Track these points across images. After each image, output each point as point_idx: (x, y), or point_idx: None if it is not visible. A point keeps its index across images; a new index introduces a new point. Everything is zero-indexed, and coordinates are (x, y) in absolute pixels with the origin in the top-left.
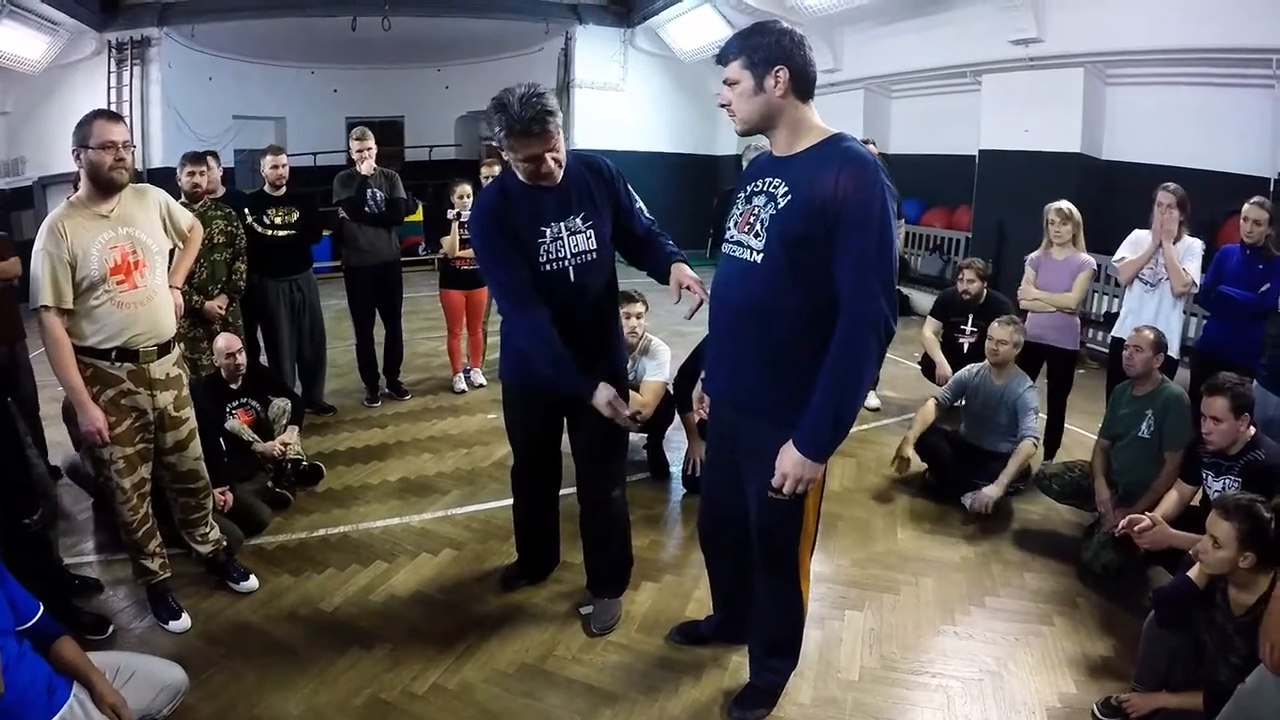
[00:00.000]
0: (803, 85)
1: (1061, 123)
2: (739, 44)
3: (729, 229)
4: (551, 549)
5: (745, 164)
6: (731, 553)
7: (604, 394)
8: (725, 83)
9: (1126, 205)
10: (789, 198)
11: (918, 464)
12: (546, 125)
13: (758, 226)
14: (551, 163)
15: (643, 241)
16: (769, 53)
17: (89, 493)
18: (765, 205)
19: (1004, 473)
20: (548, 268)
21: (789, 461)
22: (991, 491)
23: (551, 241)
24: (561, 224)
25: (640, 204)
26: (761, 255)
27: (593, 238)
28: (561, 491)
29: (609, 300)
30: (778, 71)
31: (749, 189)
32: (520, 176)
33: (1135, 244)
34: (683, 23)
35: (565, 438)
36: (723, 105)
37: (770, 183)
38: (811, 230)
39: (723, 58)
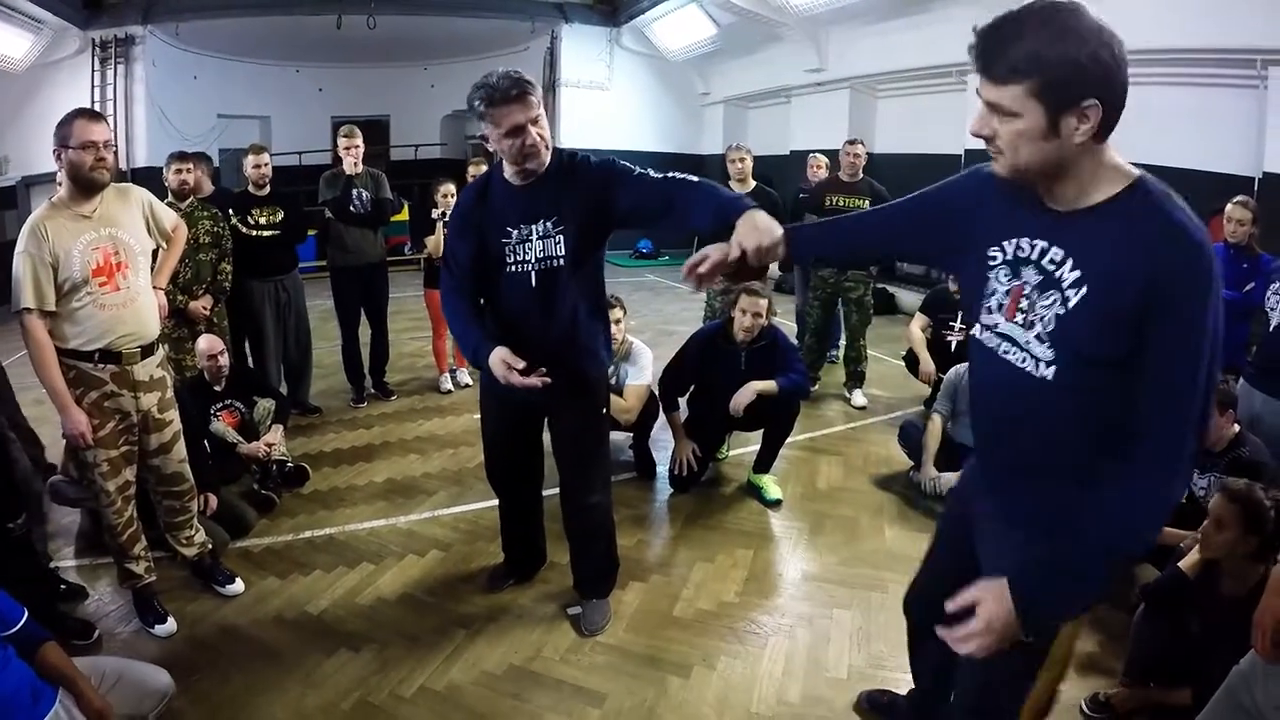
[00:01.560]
0: (1110, 123)
1: None
2: (1035, 57)
3: (987, 308)
4: (537, 548)
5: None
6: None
7: (495, 356)
8: (994, 109)
9: None
10: (1082, 290)
11: (949, 479)
12: (525, 90)
13: (1038, 326)
14: (535, 136)
15: (668, 203)
16: (1081, 79)
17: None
18: (1046, 293)
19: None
20: (511, 269)
21: (992, 606)
22: (950, 477)
23: (518, 244)
24: (531, 227)
25: (643, 171)
26: (1052, 369)
27: (560, 244)
28: (547, 492)
29: (581, 307)
30: (1089, 108)
31: (1007, 254)
32: (506, 163)
33: None
34: (669, 22)
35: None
36: (980, 136)
37: (1041, 249)
38: (1117, 340)
39: (992, 66)
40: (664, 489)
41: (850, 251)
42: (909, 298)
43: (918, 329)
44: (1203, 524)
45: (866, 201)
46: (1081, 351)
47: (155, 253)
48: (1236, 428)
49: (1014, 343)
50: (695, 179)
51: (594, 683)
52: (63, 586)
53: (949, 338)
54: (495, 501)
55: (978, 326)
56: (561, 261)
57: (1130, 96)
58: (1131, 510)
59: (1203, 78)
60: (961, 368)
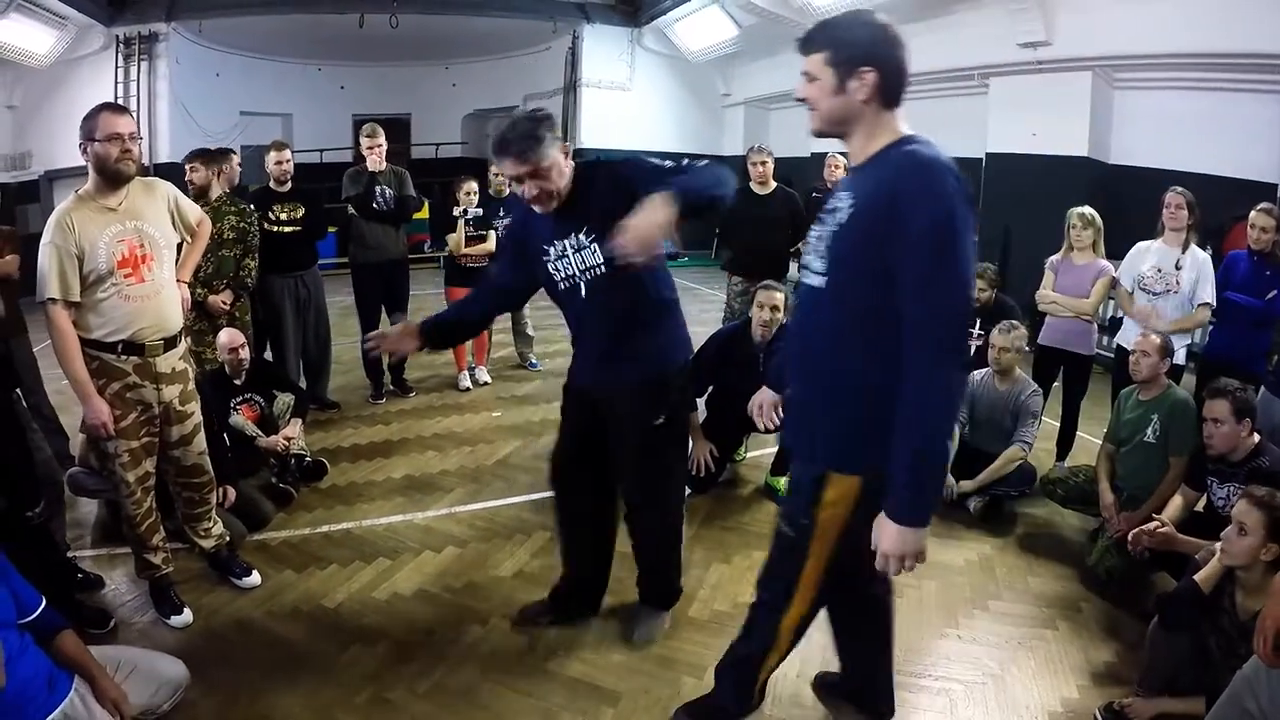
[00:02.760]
0: (891, 91)
1: (1069, 127)
2: (824, 35)
3: (805, 250)
4: (597, 572)
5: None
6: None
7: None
8: (805, 75)
9: (1134, 209)
10: (850, 213)
11: (966, 486)
12: (512, 150)
13: (821, 247)
14: (533, 189)
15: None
16: (860, 50)
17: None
18: (830, 223)
19: (985, 471)
20: (561, 286)
21: (887, 537)
22: (964, 484)
23: (556, 260)
24: (564, 242)
25: (660, 164)
26: (824, 279)
27: (596, 253)
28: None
29: (637, 311)
30: (864, 73)
31: (827, 207)
32: None
33: (1138, 256)
34: (690, 22)
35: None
36: (800, 99)
37: (840, 198)
38: (868, 252)
39: (805, 46)
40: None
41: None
42: None
43: None
44: (1224, 530)
45: None
46: (844, 259)
47: (180, 246)
48: (1256, 437)
49: (808, 268)
50: (701, 164)
51: (609, 682)
52: (79, 576)
53: (966, 342)
54: (513, 500)
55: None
56: (603, 269)
57: (1151, 102)
58: (919, 405)
59: (1223, 83)
60: (978, 374)
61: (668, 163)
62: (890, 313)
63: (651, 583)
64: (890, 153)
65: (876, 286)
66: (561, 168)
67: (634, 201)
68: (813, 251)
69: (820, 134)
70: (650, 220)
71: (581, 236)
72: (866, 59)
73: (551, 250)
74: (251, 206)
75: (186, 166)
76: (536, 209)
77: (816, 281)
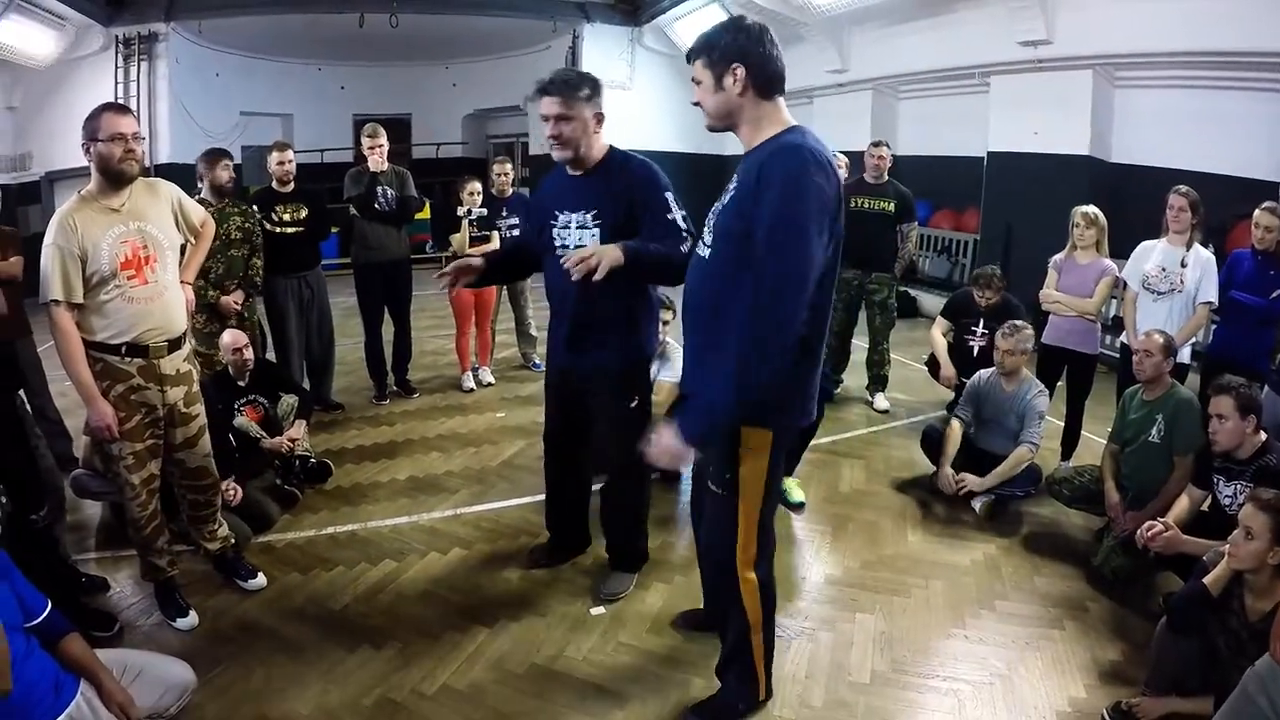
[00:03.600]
0: (762, 82)
1: (1070, 125)
2: (700, 43)
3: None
4: (578, 526)
5: None
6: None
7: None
8: (694, 81)
9: (1135, 208)
10: (732, 194)
11: (971, 481)
12: (551, 89)
13: (710, 223)
14: (556, 129)
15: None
16: (725, 51)
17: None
18: (719, 204)
19: (993, 473)
20: (559, 251)
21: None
22: (972, 484)
23: (561, 228)
24: (573, 215)
25: (673, 215)
26: (709, 250)
27: (596, 236)
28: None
29: (620, 297)
30: (735, 69)
31: (725, 189)
32: None
33: (1142, 255)
34: (690, 21)
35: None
36: (695, 104)
37: (733, 181)
38: (742, 225)
39: (689, 57)
40: (688, 492)
41: None
42: (931, 301)
43: (939, 333)
44: (1231, 535)
45: (891, 204)
46: (725, 228)
47: (184, 248)
48: (1263, 436)
49: (701, 240)
50: (681, 250)
51: (617, 683)
52: (84, 579)
53: (970, 342)
54: (518, 500)
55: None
56: None
57: (1151, 101)
58: (744, 349)
59: (1224, 81)
60: (984, 373)
61: (673, 215)
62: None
63: (621, 548)
64: (769, 142)
65: (746, 253)
66: (589, 126)
67: (632, 214)
68: (706, 228)
69: (712, 128)
70: (668, 447)
71: (588, 215)
72: (736, 56)
73: (560, 217)
74: (254, 207)
75: (224, 163)
76: (554, 154)
77: (705, 253)
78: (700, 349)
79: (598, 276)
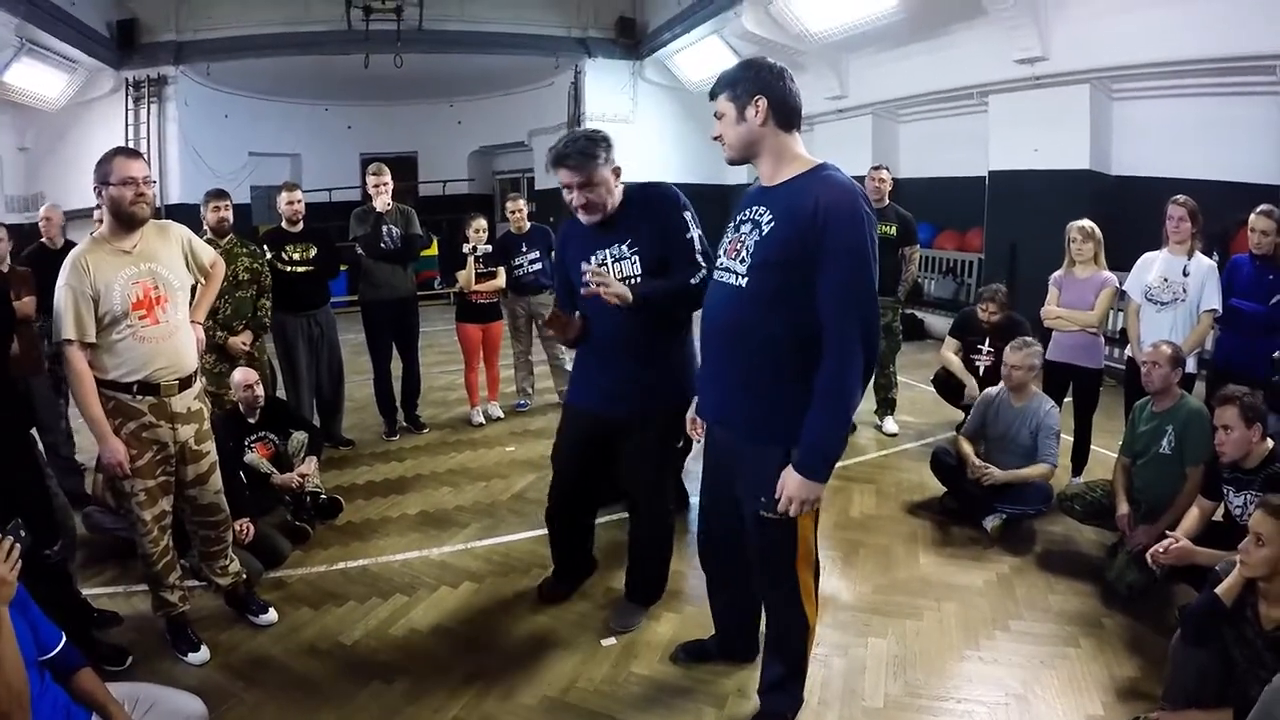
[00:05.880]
0: (783, 115)
1: (1069, 140)
2: (724, 79)
3: (719, 257)
4: (585, 554)
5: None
6: (729, 572)
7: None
8: (716, 116)
9: (1137, 220)
10: (772, 225)
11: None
12: (568, 162)
13: (743, 253)
14: (581, 198)
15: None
16: (749, 85)
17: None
18: (751, 232)
19: (1015, 471)
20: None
21: (792, 484)
22: (997, 473)
23: (599, 266)
24: (606, 251)
25: (690, 235)
26: (746, 280)
27: (636, 264)
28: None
29: (662, 325)
30: (757, 101)
31: (739, 218)
32: None
33: (1144, 267)
34: (690, 54)
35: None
36: (715, 138)
37: (757, 211)
38: (791, 256)
39: (713, 93)
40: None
41: None
42: (937, 322)
43: (951, 353)
44: (1242, 542)
45: (894, 228)
46: (767, 259)
47: (194, 288)
48: (1270, 443)
49: (727, 270)
50: (692, 281)
51: (629, 714)
52: (95, 614)
53: (977, 361)
54: (528, 534)
55: (715, 270)
56: (638, 280)
57: (1149, 111)
58: (837, 389)
59: (1218, 87)
60: (991, 391)
61: (690, 235)
62: (804, 309)
63: (642, 582)
64: (810, 176)
65: (794, 286)
66: (610, 186)
67: (663, 237)
68: (731, 257)
69: (732, 161)
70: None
71: (624, 247)
72: (758, 89)
73: (593, 260)
74: (264, 248)
75: (213, 205)
76: (581, 218)
77: (739, 282)
78: (726, 375)
79: (606, 297)
